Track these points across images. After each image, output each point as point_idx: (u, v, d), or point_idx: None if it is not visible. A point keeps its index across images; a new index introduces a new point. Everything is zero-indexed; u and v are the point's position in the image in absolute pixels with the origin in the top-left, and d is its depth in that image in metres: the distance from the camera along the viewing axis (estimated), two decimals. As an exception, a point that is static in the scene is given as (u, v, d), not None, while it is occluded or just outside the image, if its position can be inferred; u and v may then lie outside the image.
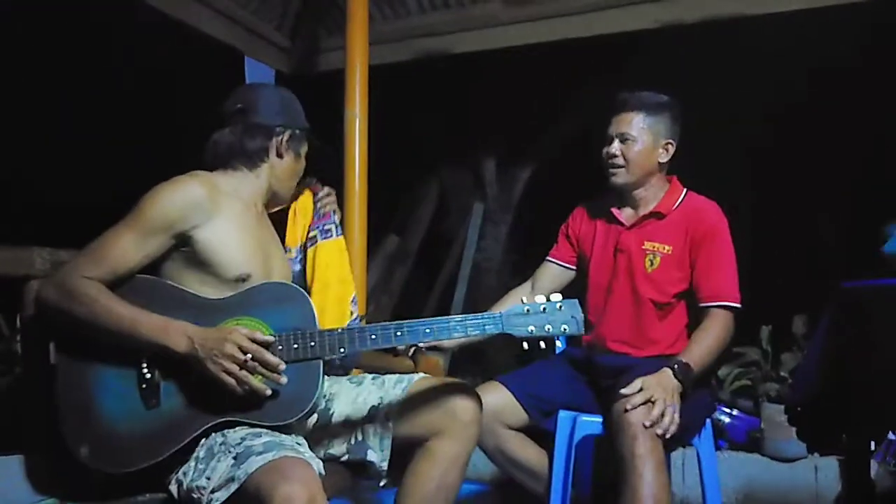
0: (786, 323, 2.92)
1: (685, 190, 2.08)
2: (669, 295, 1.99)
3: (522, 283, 2.30)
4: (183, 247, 1.49)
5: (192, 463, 1.41)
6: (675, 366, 1.80)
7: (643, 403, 1.72)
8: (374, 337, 1.50)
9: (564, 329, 1.51)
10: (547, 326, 1.50)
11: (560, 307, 1.52)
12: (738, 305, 1.93)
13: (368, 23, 2.76)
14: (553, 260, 2.25)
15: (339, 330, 1.49)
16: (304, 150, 1.71)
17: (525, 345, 1.52)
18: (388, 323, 1.51)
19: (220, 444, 1.40)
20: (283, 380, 1.42)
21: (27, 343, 1.63)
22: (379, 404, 1.63)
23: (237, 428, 1.44)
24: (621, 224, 2.09)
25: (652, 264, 2.02)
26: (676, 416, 1.73)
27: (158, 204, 1.45)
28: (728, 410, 2.85)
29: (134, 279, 1.47)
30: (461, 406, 1.61)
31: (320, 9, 3.56)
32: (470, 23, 3.41)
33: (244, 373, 1.39)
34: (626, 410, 1.72)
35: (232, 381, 1.38)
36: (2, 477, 1.50)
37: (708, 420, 2.02)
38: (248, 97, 1.65)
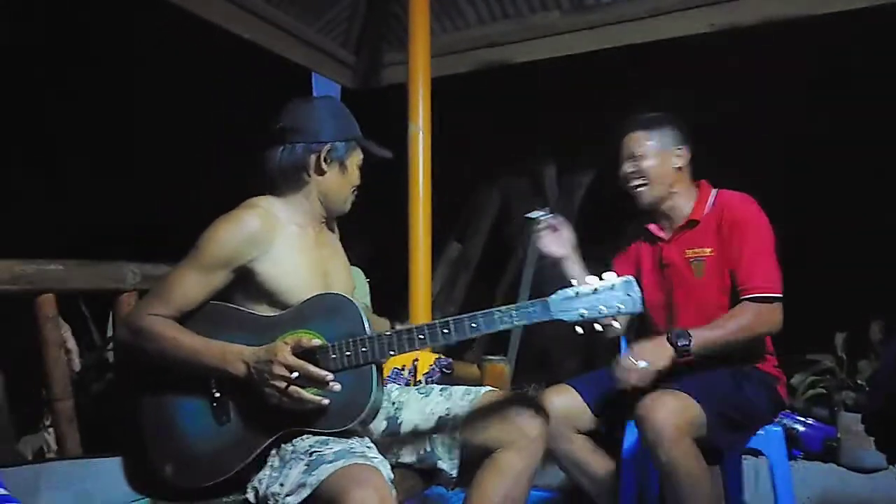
0: (862, 329, 2.83)
1: (716, 190, 2.08)
2: (727, 296, 1.97)
3: None
4: (244, 278, 1.56)
5: (266, 471, 1.49)
6: (673, 331, 1.83)
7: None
8: (422, 337, 1.50)
9: (620, 308, 1.45)
10: (600, 308, 1.45)
11: (613, 286, 1.46)
12: (768, 294, 1.90)
13: (430, 37, 2.83)
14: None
15: (388, 333, 1.51)
16: (352, 160, 1.68)
17: (580, 329, 1.47)
18: (433, 322, 1.52)
19: (291, 453, 1.48)
20: (336, 387, 1.45)
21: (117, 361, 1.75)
22: (447, 415, 1.66)
23: (304, 436, 1.51)
24: (661, 239, 2.10)
25: (699, 271, 2.02)
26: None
27: (215, 241, 1.53)
28: (802, 419, 2.78)
29: (204, 306, 1.56)
30: (528, 420, 1.61)
31: (383, 24, 3.64)
32: (529, 32, 3.43)
33: (294, 388, 1.44)
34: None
35: (287, 399, 1.44)
36: (98, 478, 1.59)
37: (779, 427, 1.99)
38: (288, 115, 1.65)
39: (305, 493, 1.36)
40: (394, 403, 1.74)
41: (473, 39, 3.53)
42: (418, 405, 1.72)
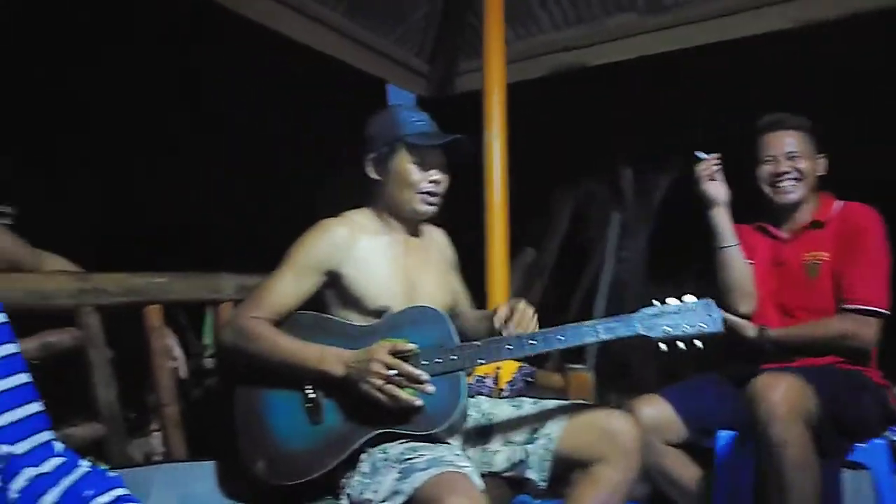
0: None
1: (840, 202, 2.03)
2: (837, 301, 1.91)
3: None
4: (332, 284, 1.64)
5: (357, 478, 1.51)
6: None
7: None
8: (509, 347, 1.53)
9: (703, 327, 1.46)
10: (684, 326, 1.45)
11: (695, 307, 1.47)
12: (869, 308, 1.84)
13: (504, 44, 2.84)
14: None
15: (477, 342, 1.55)
16: (399, 161, 1.65)
17: (663, 346, 1.48)
18: (521, 333, 1.55)
19: (384, 460, 1.50)
20: (431, 388, 1.49)
21: (220, 358, 1.83)
22: (540, 427, 1.65)
23: (395, 443, 1.53)
24: (778, 238, 2.06)
25: (813, 273, 1.97)
26: None
27: (305, 247, 1.62)
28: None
29: (296, 315, 1.63)
30: (623, 433, 1.58)
31: (457, 33, 3.67)
32: (605, 35, 3.40)
33: (391, 387, 1.48)
34: None
35: (383, 396, 1.48)
36: (202, 480, 1.66)
37: (883, 440, 1.90)
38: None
39: (400, 500, 1.38)
40: (484, 414, 1.75)
41: (548, 44, 3.52)
42: (510, 416, 1.72)
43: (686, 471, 2.02)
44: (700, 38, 3.20)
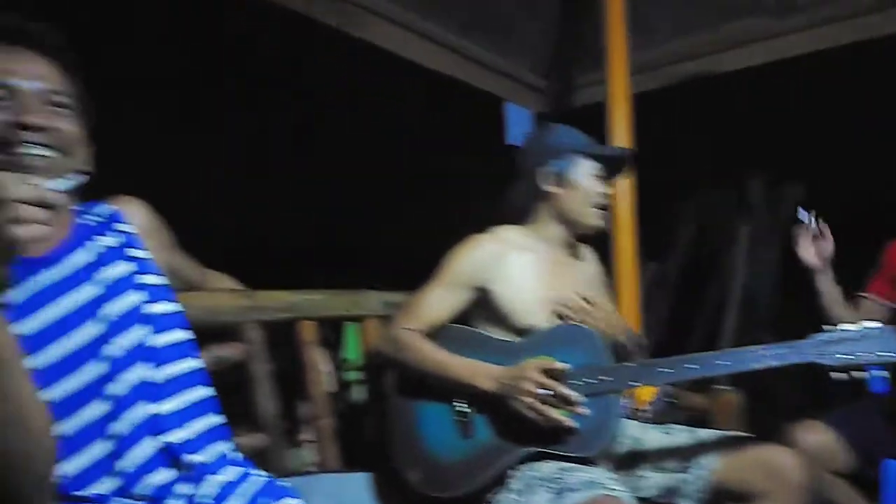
0: None
1: None
2: None
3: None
4: (481, 300, 1.66)
5: (509, 495, 1.50)
6: None
7: None
8: (667, 371, 1.49)
9: (882, 357, 1.34)
10: (861, 354, 1.35)
11: (879, 333, 1.36)
12: None
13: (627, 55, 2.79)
14: (871, 296, 2.06)
15: (632, 364, 1.54)
16: (578, 173, 1.69)
17: (836, 375, 1.39)
18: (681, 356, 1.50)
19: (536, 479, 1.48)
20: (584, 410, 1.47)
21: (370, 372, 1.88)
22: (693, 457, 1.59)
23: (548, 461, 1.51)
24: None
25: None
26: None
27: (455, 262, 1.66)
28: None
29: (448, 327, 1.66)
30: (790, 471, 1.50)
31: (576, 45, 3.64)
32: (731, 41, 3.27)
33: (545, 406, 1.46)
34: None
35: (534, 415, 1.47)
36: (349, 492, 1.70)
37: None
38: (519, 149, 1.80)
39: None
40: (634, 439, 1.70)
41: (671, 53, 3.43)
42: (661, 443, 1.67)
43: (850, 501, 1.89)
44: (833, 39, 3.02)
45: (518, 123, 3.62)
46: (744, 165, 4.12)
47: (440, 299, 1.65)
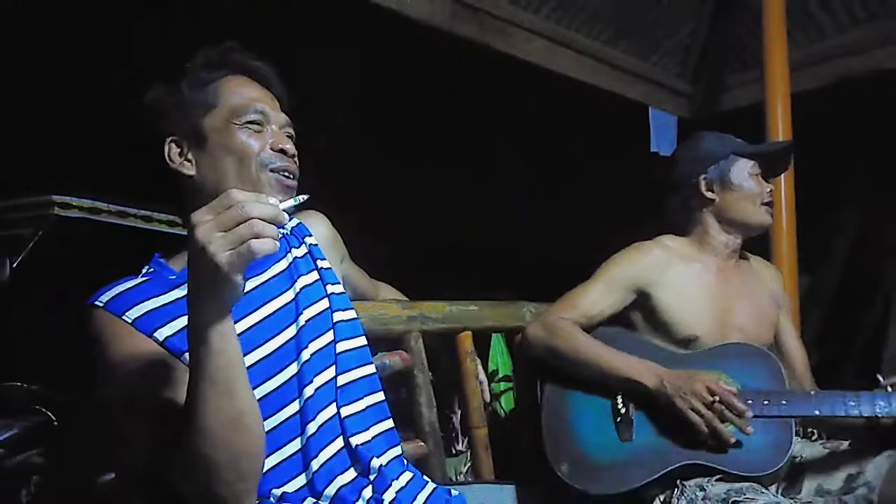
0: None
1: None
2: None
3: None
4: (641, 305, 1.64)
5: None
6: None
7: None
8: (852, 403, 1.42)
9: None
10: None
11: None
12: None
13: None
14: None
15: (813, 392, 1.48)
16: (736, 173, 1.67)
17: None
18: (871, 392, 1.44)
19: (702, 499, 1.42)
20: (750, 429, 1.41)
21: (519, 382, 1.89)
22: (858, 473, 1.49)
23: (713, 480, 1.45)
24: None
25: None
26: None
27: (621, 262, 1.66)
28: None
29: (604, 328, 1.63)
30: None
31: (725, 47, 3.50)
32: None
33: (711, 414, 1.42)
34: None
35: (698, 419, 1.42)
36: (500, 502, 1.70)
37: None
38: (671, 162, 1.79)
39: None
40: (795, 457, 1.61)
41: (832, 49, 3.21)
42: (823, 460, 1.57)
43: None
44: None
45: (663, 130, 3.52)
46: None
47: (601, 295, 1.64)
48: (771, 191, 1.68)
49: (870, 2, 3.06)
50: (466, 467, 2.03)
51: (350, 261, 1.47)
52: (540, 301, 1.85)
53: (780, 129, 2.61)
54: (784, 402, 1.45)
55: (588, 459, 1.55)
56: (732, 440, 1.43)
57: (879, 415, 1.43)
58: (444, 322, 1.68)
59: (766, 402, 1.46)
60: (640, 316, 1.66)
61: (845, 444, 1.59)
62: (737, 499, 1.37)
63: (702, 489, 1.44)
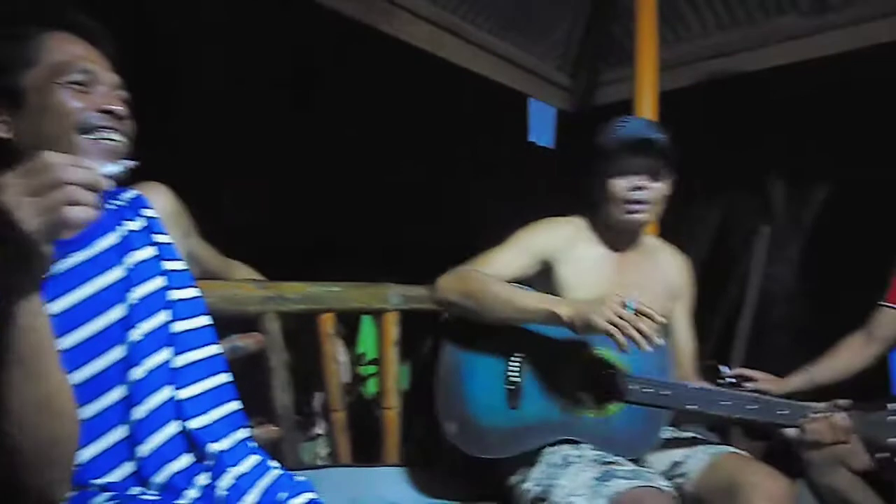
0: None
1: None
2: None
3: (855, 333, 2.11)
4: (545, 275, 1.68)
5: (545, 469, 1.49)
6: None
7: None
8: (726, 403, 1.49)
9: None
10: None
11: None
12: None
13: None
14: (890, 305, 2.03)
15: (699, 387, 1.52)
16: (606, 169, 1.65)
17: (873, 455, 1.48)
18: (746, 394, 1.51)
19: (577, 457, 1.47)
20: (659, 341, 1.42)
21: (383, 367, 1.86)
22: (681, 462, 1.56)
23: (587, 447, 1.50)
24: None
25: None
26: None
27: (534, 231, 1.71)
28: None
29: None
30: (758, 501, 1.38)
31: (602, 44, 3.61)
32: (761, 39, 3.22)
33: (625, 322, 1.41)
34: None
35: (615, 328, 1.41)
36: (367, 485, 1.67)
37: None
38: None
39: (600, 501, 1.33)
40: None
41: (699, 50, 3.38)
42: (665, 440, 1.64)
43: (866, 500, 1.87)
44: (866, 39, 2.97)
45: (542, 121, 3.60)
46: (768, 166, 4.06)
47: (511, 258, 1.67)
48: (638, 188, 1.64)
49: (735, 8, 3.24)
50: (327, 451, 2.00)
51: (197, 236, 1.39)
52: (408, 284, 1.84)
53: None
54: (666, 393, 1.49)
55: (474, 423, 1.56)
56: (647, 348, 1.42)
57: (747, 418, 1.48)
58: (304, 303, 1.64)
59: (647, 390, 1.50)
60: (541, 286, 1.68)
61: (689, 435, 1.66)
62: (608, 460, 1.43)
63: (577, 448, 1.50)
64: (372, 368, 2.33)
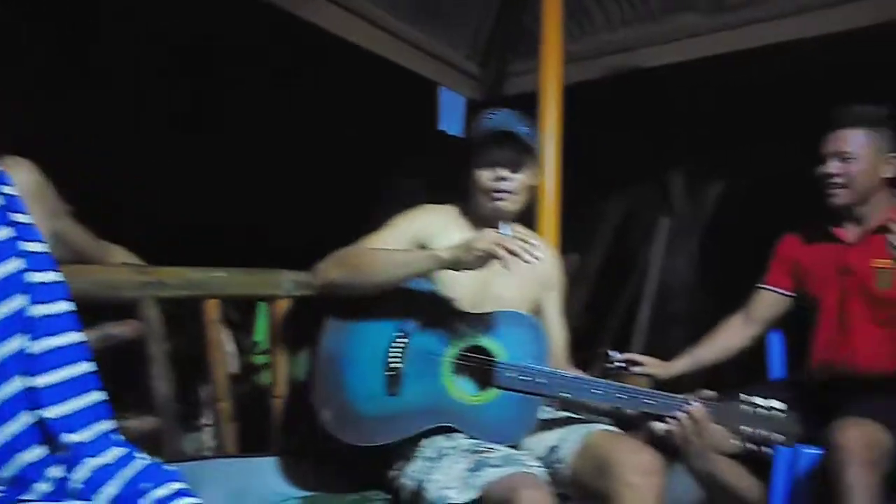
0: None
1: None
2: None
3: (734, 315, 2.21)
4: None
5: (418, 461, 1.49)
6: None
7: None
8: (597, 392, 1.52)
9: (777, 439, 1.44)
10: (761, 431, 1.44)
11: (784, 417, 1.44)
12: None
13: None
14: (768, 287, 2.14)
15: (571, 376, 1.55)
16: (473, 160, 1.70)
17: (733, 441, 1.49)
18: (616, 384, 1.54)
19: (451, 448, 1.47)
20: (539, 254, 1.48)
21: (273, 355, 1.83)
22: (557, 447, 1.57)
23: (461, 436, 1.51)
24: (844, 243, 1.96)
25: (884, 282, 1.87)
26: None
27: (409, 215, 1.74)
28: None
29: None
30: (628, 475, 1.41)
31: (510, 35, 3.64)
32: (663, 36, 3.33)
33: (505, 239, 1.46)
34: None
35: (496, 247, 1.44)
36: (254, 476, 1.64)
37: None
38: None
39: (472, 493, 1.34)
40: None
41: (603, 45, 3.47)
42: (542, 425, 1.65)
43: (741, 481, 1.97)
44: (763, 38, 3.11)
45: (451, 110, 3.60)
46: (668, 160, 4.21)
47: (388, 241, 1.67)
48: (502, 178, 1.67)
49: (638, 5, 3.33)
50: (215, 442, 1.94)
51: (67, 217, 1.31)
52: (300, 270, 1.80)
53: (550, 119, 2.74)
54: (542, 381, 1.52)
55: (351, 410, 1.54)
56: (528, 259, 1.45)
57: (615, 407, 1.53)
58: (186, 289, 1.58)
59: (523, 378, 1.52)
60: None
61: (564, 416, 1.68)
62: (479, 449, 1.44)
63: (451, 439, 1.50)
64: (266, 358, 2.27)
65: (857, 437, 1.57)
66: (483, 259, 1.46)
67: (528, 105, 2.82)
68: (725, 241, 4.03)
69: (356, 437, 1.52)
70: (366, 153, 3.72)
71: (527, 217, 2.67)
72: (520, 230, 1.85)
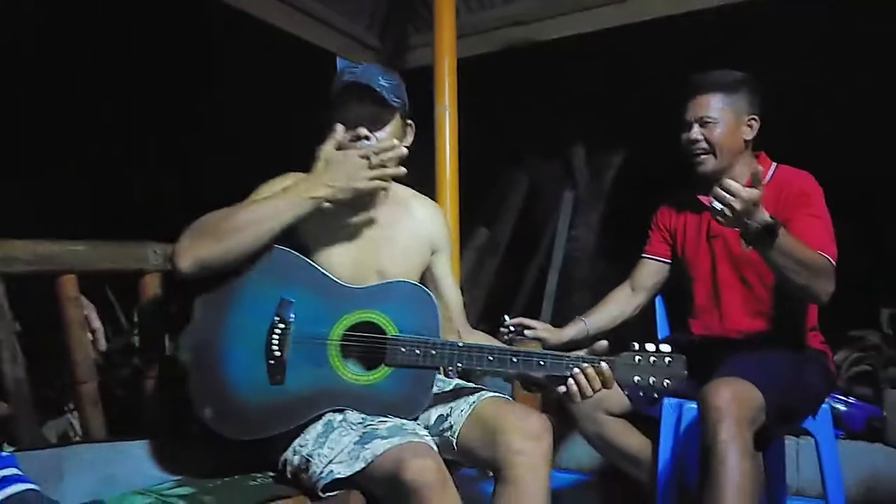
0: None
1: (775, 164, 1.99)
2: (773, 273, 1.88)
3: (621, 285, 2.27)
4: (291, 232, 1.50)
5: (307, 436, 1.44)
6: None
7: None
8: (491, 359, 1.49)
9: (667, 385, 1.44)
10: (652, 379, 1.45)
11: (668, 361, 1.45)
12: (828, 258, 1.76)
13: (455, 17, 2.77)
14: (649, 256, 2.21)
15: (462, 344, 1.50)
16: (332, 117, 1.54)
17: (626, 392, 1.53)
18: (507, 348, 1.52)
19: (340, 421, 1.44)
20: (403, 149, 1.48)
21: (144, 334, 1.74)
22: (447, 416, 1.54)
23: (352, 411, 1.47)
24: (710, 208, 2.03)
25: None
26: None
27: (274, 185, 1.54)
28: (844, 398, 2.68)
29: (274, 251, 1.49)
30: (516, 442, 1.41)
31: (408, 7, 3.59)
32: (556, 9, 3.35)
33: (377, 160, 1.45)
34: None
35: (376, 180, 1.44)
36: (123, 461, 1.54)
37: (826, 405, 1.91)
38: None
39: (358, 466, 1.31)
40: None
41: (498, 19, 3.46)
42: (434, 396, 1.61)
43: (630, 439, 2.03)
44: (651, 12, 3.17)
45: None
46: (570, 133, 4.27)
47: None
48: (364, 136, 1.53)
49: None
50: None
51: None
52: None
53: (445, 91, 2.71)
54: (433, 353, 1.48)
55: (235, 404, 1.44)
56: (399, 170, 1.48)
57: (510, 371, 1.49)
58: (38, 264, 1.46)
59: (417, 352, 1.47)
60: (285, 243, 1.52)
61: (453, 384, 1.65)
62: (370, 423, 1.41)
63: (340, 413, 1.46)
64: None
65: (729, 396, 1.61)
66: (361, 191, 1.45)
67: (426, 79, 2.80)
68: (622, 211, 4.14)
69: (243, 431, 1.44)
70: (260, 123, 3.61)
71: (428, 191, 2.69)
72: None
